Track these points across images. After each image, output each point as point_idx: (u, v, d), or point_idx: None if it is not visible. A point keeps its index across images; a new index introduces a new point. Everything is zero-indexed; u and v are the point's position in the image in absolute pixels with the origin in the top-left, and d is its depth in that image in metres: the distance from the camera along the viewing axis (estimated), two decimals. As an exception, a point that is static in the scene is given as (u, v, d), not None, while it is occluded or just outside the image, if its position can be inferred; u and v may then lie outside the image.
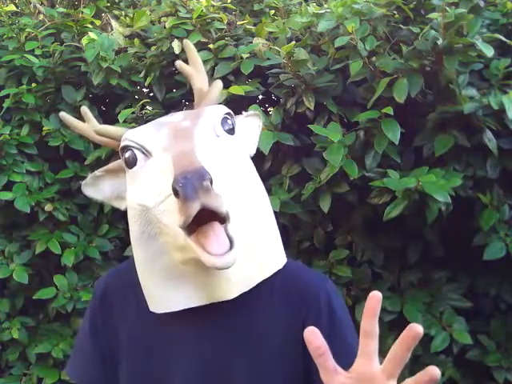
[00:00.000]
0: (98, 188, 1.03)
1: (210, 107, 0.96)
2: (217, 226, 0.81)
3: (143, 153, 0.90)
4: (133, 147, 0.90)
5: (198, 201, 0.75)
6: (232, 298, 0.90)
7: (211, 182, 0.77)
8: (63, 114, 1.09)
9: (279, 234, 1.01)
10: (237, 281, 0.90)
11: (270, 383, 0.93)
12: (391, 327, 1.73)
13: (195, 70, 1.04)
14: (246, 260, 0.90)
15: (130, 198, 0.93)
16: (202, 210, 0.76)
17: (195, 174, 0.76)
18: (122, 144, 0.92)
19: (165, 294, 0.92)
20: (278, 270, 0.96)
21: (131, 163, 0.91)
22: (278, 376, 0.93)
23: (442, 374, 1.72)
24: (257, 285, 0.93)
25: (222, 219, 0.81)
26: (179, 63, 1.05)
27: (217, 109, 0.95)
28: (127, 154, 0.91)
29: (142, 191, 0.89)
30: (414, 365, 1.74)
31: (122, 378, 1.00)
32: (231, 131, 0.94)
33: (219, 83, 1.05)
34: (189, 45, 1.06)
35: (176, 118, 0.94)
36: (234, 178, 0.88)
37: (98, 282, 1.08)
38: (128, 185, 0.94)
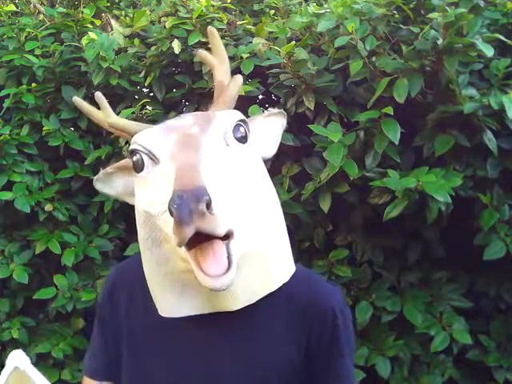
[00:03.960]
0: (111, 184, 1.03)
1: (223, 112, 0.92)
2: (217, 244, 0.79)
3: (151, 158, 0.88)
4: (141, 151, 0.89)
5: (193, 224, 0.73)
6: (236, 309, 0.89)
7: (208, 205, 0.74)
8: (76, 99, 1.05)
9: (289, 243, 0.99)
10: (243, 294, 0.89)
11: None
12: (391, 327, 1.73)
13: (218, 61, 0.98)
14: (254, 274, 0.89)
15: (137, 203, 0.92)
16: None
17: (192, 196, 0.73)
18: (131, 147, 0.91)
19: (169, 300, 0.92)
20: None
21: (139, 167, 0.90)
22: None
23: (442, 374, 1.72)
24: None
25: (224, 236, 0.79)
26: (201, 52, 1.00)
27: (229, 115, 0.91)
28: (135, 158, 0.90)
29: (148, 198, 0.88)
30: (414, 365, 1.74)
31: (123, 371, 1.01)
32: (243, 139, 0.90)
33: (240, 78, 0.98)
34: (213, 32, 0.98)
35: (186, 121, 0.90)
36: (241, 191, 0.85)
37: (108, 277, 1.09)
38: (136, 188, 0.94)
